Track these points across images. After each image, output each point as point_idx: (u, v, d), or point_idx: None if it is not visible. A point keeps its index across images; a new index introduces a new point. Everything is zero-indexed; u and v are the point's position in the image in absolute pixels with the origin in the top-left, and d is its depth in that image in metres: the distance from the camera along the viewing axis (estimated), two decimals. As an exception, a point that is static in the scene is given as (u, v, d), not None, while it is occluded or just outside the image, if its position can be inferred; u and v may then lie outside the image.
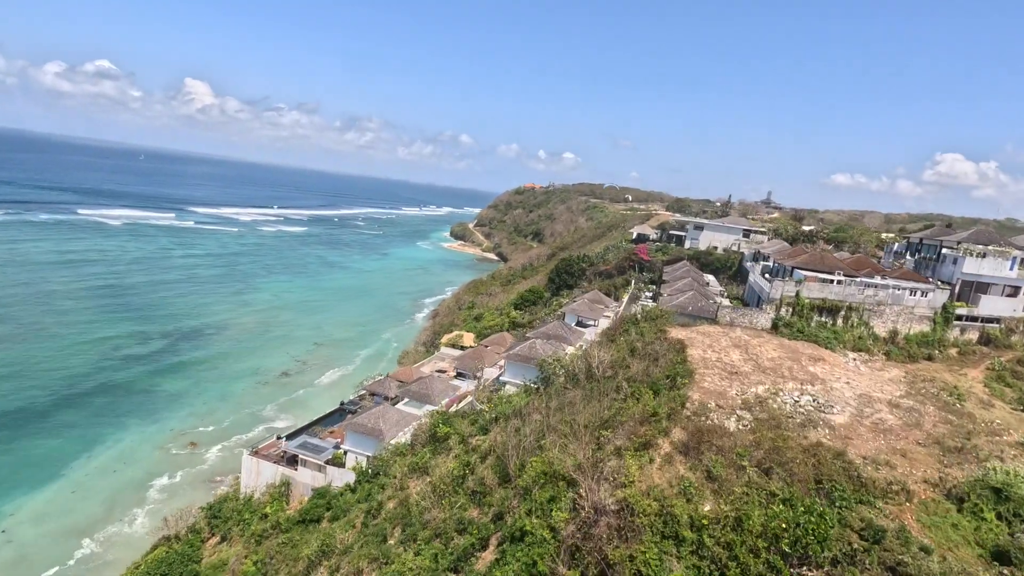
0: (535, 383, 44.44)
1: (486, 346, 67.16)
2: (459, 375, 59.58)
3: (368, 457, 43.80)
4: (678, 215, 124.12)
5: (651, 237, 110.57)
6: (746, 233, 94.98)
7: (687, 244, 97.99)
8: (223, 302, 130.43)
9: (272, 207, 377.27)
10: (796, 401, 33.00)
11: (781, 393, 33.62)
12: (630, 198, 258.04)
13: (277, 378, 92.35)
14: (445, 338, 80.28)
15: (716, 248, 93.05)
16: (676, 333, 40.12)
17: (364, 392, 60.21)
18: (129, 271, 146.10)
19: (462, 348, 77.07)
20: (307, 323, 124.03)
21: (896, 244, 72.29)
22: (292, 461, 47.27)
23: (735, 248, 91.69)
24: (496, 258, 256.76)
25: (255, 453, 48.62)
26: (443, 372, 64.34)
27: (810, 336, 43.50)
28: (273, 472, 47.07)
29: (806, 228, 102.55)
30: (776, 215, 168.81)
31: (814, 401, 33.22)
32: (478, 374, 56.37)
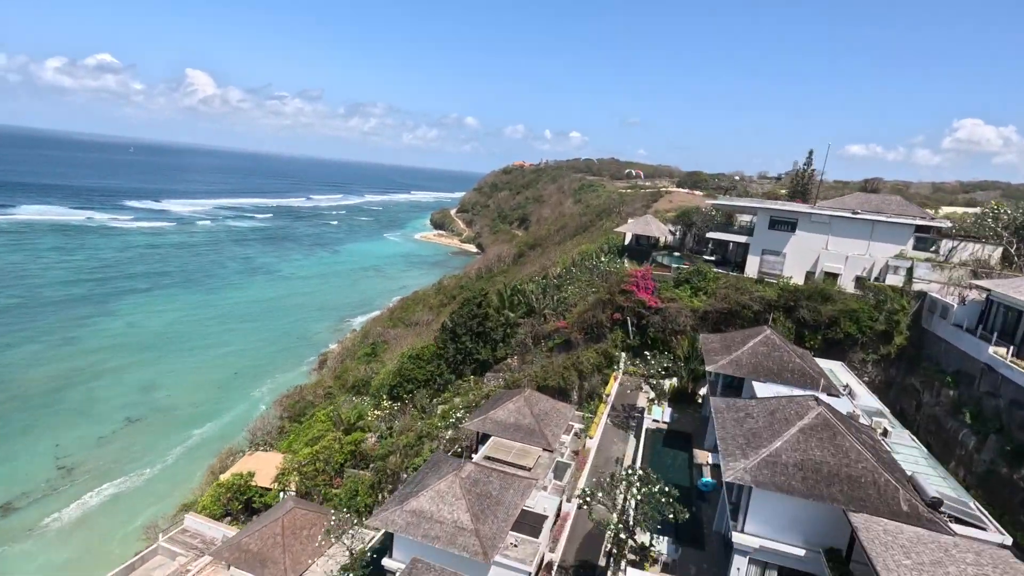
0: None
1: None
2: None
3: None
4: (725, 199, 62.78)
5: (661, 241, 57.67)
6: (923, 236, 43.19)
7: (751, 264, 45.59)
8: (32, 341, 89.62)
9: (236, 198, 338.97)
10: None
11: None
12: (633, 172, 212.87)
13: (-27, 517, 51.43)
14: (228, 474, 38.58)
15: (833, 276, 43.14)
16: None
17: None
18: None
19: (250, 505, 35.15)
20: (142, 374, 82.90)
21: None
22: None
23: (892, 280, 41.25)
24: (476, 250, 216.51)
25: None
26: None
27: None
28: None
29: None
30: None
31: None
32: None
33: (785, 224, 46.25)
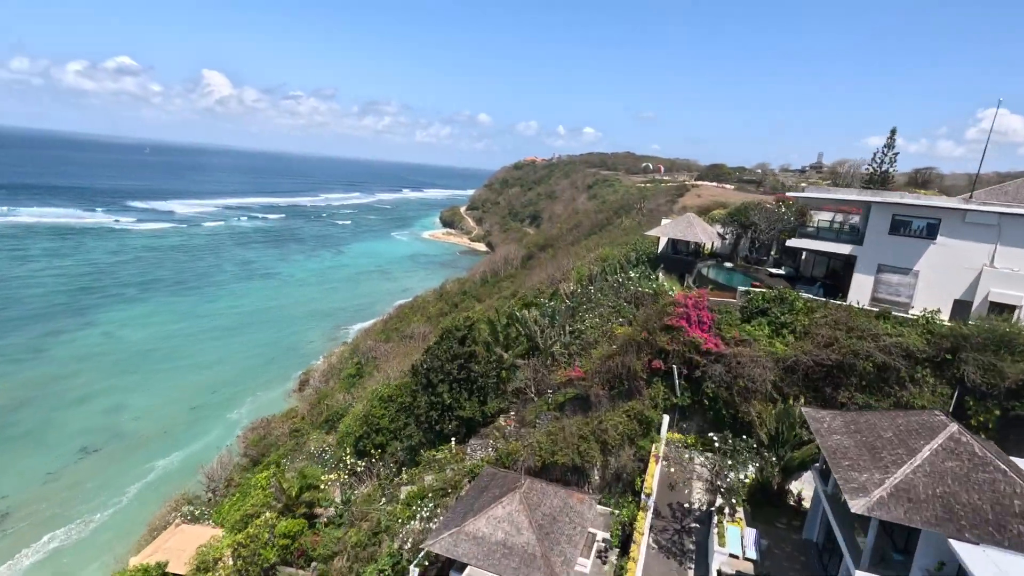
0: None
1: None
2: None
3: None
4: (819, 190, 45.95)
5: (705, 248, 44.53)
6: None
7: (859, 287, 32.81)
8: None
9: (245, 197, 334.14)
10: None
11: None
12: (651, 166, 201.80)
13: None
14: (134, 564, 29.66)
15: (1008, 309, 28.71)
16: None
17: None
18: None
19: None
20: (110, 393, 75.02)
21: None
22: None
23: None
24: (485, 248, 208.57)
25: None
26: None
27: None
28: None
29: None
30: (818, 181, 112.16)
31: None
32: None
33: (917, 227, 30.59)
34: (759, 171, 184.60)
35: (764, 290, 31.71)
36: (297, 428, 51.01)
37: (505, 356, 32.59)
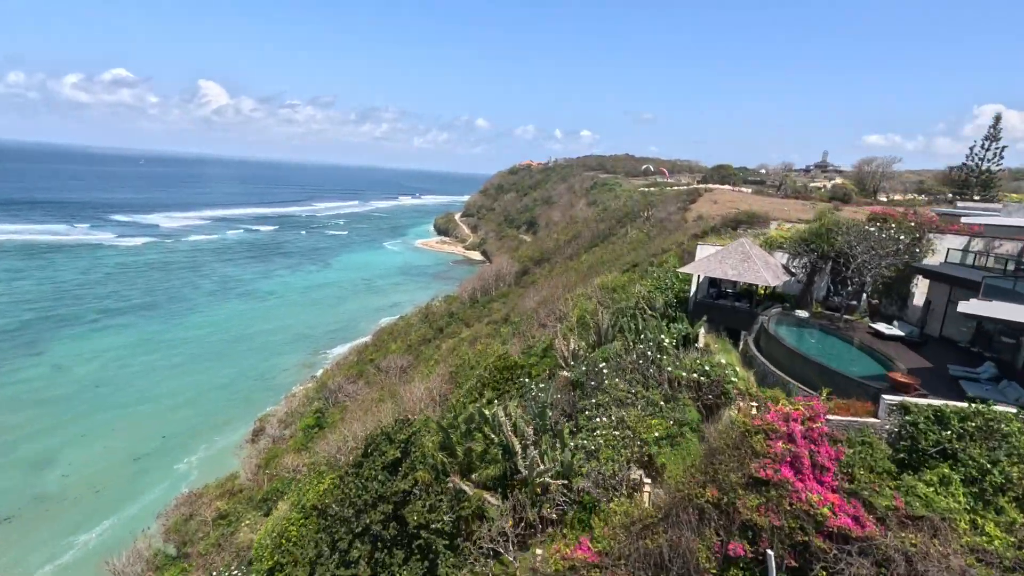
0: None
1: None
2: None
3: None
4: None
5: (764, 289, 28.78)
6: None
7: None
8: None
9: (236, 208, 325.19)
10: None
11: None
12: (652, 168, 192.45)
13: None
14: None
15: None
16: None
17: None
18: None
19: None
20: (41, 441, 65.21)
21: None
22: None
23: None
24: (480, 257, 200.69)
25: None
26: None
27: None
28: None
29: None
30: (838, 180, 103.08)
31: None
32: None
33: None
34: (763, 171, 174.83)
35: (935, 403, 15.08)
36: (225, 513, 41.00)
37: (467, 489, 19.71)
